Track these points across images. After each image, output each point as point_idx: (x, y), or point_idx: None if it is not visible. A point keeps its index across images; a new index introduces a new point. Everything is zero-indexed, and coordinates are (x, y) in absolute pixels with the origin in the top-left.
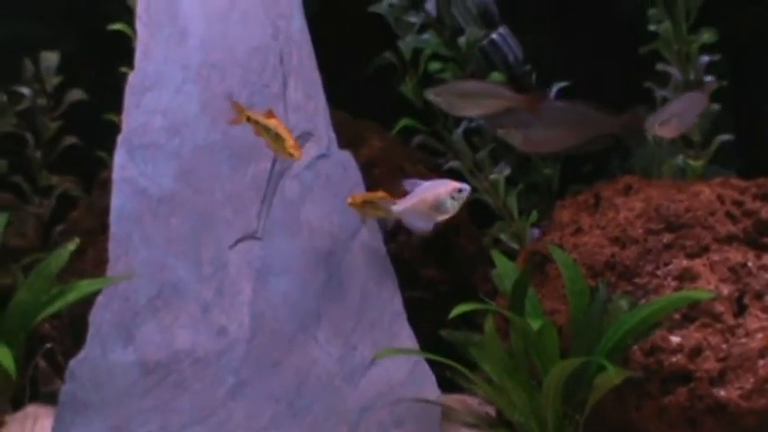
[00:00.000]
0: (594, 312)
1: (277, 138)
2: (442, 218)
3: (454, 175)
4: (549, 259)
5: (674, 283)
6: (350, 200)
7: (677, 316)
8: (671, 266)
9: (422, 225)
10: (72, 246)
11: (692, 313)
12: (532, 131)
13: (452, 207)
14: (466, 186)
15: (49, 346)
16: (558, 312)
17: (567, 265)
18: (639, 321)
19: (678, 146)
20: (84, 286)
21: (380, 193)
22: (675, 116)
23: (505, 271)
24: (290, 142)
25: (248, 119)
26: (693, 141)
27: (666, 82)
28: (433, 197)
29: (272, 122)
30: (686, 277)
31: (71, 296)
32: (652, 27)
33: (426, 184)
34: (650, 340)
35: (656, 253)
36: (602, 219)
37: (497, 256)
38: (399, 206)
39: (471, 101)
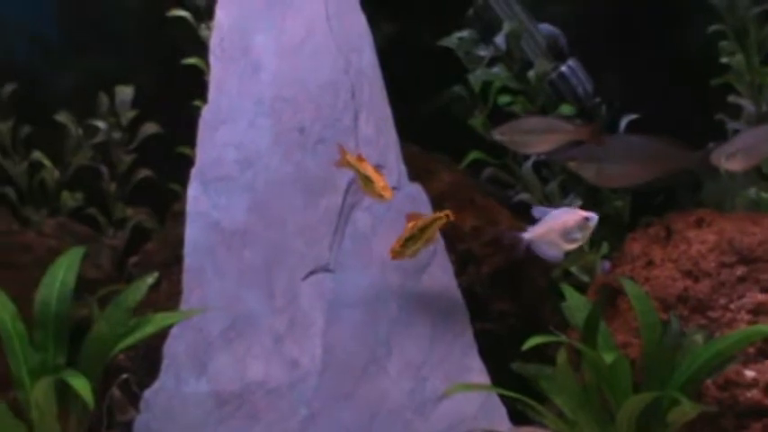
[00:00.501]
0: (667, 346)
1: (367, 180)
2: (570, 247)
3: (523, 207)
4: (620, 292)
5: (747, 317)
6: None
7: (752, 350)
8: (744, 300)
9: (551, 254)
10: (151, 279)
11: (767, 347)
12: (606, 165)
13: (581, 236)
14: (594, 215)
15: (124, 376)
16: (630, 346)
17: (638, 298)
18: (713, 355)
19: (751, 178)
20: (161, 319)
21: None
22: (743, 149)
23: (576, 304)
24: (380, 184)
25: (347, 161)
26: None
27: (738, 114)
28: (561, 226)
29: (362, 165)
30: (760, 311)
31: (148, 329)
32: (724, 59)
33: (555, 212)
34: (724, 374)
35: (729, 286)
36: (673, 251)
37: (568, 290)
38: (529, 234)
39: (535, 137)
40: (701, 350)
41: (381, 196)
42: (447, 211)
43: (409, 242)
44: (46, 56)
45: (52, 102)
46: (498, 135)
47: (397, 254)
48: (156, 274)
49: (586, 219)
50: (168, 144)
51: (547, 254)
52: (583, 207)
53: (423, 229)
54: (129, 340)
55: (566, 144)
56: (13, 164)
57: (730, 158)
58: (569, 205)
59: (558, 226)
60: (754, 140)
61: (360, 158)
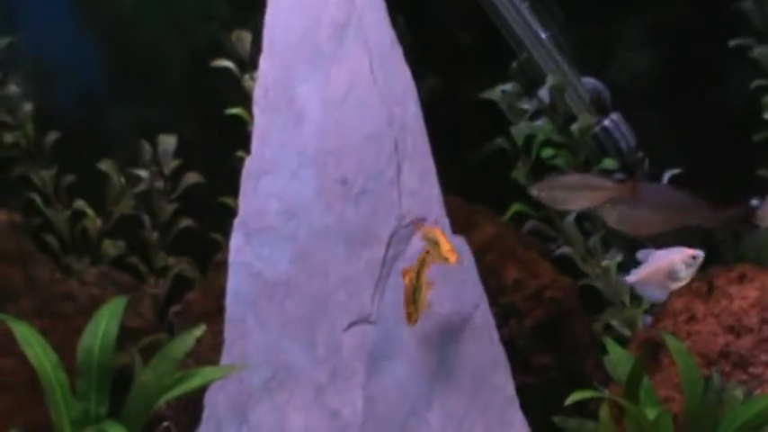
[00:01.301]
0: (710, 402)
1: (435, 244)
2: (676, 286)
3: (565, 261)
4: (662, 347)
5: None
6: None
7: None
8: None
9: (657, 294)
10: (198, 332)
11: None
12: (629, 211)
13: (687, 274)
14: (700, 253)
15: (166, 424)
16: (671, 401)
17: (681, 353)
18: (757, 413)
19: None
20: (209, 373)
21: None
22: None
23: (618, 358)
24: (445, 247)
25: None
26: None
27: None
28: (667, 265)
29: (433, 231)
30: None
31: (195, 381)
32: (767, 115)
33: (659, 252)
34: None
35: None
36: (715, 307)
37: (610, 344)
38: (633, 276)
39: (574, 194)
40: (743, 408)
41: (446, 259)
42: (427, 249)
43: (416, 296)
44: (89, 104)
45: (95, 150)
46: (536, 191)
47: (413, 317)
48: (203, 327)
49: (693, 257)
50: (210, 194)
51: (653, 295)
52: (624, 260)
53: (419, 276)
54: (175, 392)
55: (605, 201)
56: (56, 212)
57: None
58: (611, 259)
59: (665, 266)
60: None
61: (418, 225)
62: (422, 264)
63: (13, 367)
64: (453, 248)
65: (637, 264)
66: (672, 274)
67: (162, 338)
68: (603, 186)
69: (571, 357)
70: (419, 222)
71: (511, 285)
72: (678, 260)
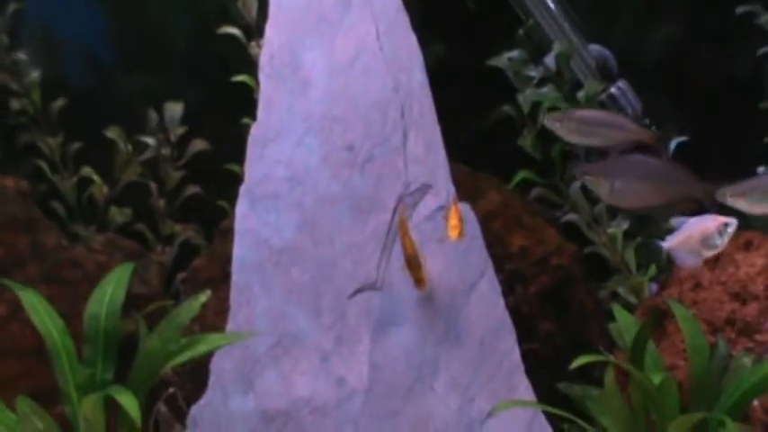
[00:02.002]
0: (715, 369)
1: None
2: (710, 253)
3: (572, 228)
4: (668, 314)
5: None
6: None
7: None
8: None
9: (690, 261)
10: (204, 297)
11: None
12: (620, 184)
13: (720, 242)
14: (733, 221)
15: (171, 390)
16: (677, 368)
17: (687, 320)
18: (762, 379)
19: None
20: (215, 340)
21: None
22: (752, 191)
23: (626, 324)
24: (451, 222)
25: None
26: None
27: None
28: (701, 233)
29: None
30: None
31: (201, 348)
32: None
33: (693, 219)
34: None
35: None
36: (722, 274)
37: (618, 310)
38: (668, 243)
39: (592, 129)
40: (749, 374)
41: (448, 237)
42: (402, 214)
43: (413, 263)
44: (95, 72)
45: (102, 117)
46: (549, 121)
47: (423, 281)
48: (208, 293)
49: (726, 224)
50: (217, 161)
51: (686, 262)
52: (631, 229)
53: (407, 241)
54: (181, 358)
55: (623, 144)
56: (62, 179)
57: (737, 198)
58: (617, 227)
59: (698, 233)
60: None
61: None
62: (405, 229)
63: (20, 334)
64: (457, 226)
65: (669, 231)
66: (706, 242)
67: (168, 305)
68: (624, 127)
69: (576, 324)
70: (456, 200)
71: (517, 252)
72: (712, 228)
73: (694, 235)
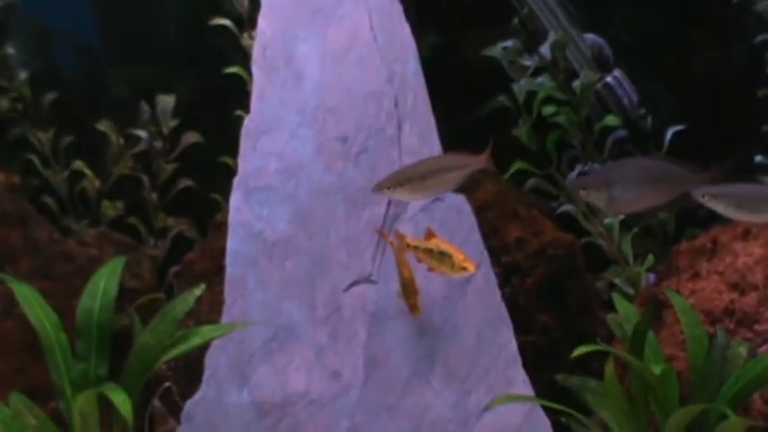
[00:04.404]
0: (715, 359)
1: (442, 256)
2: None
3: (568, 219)
4: (666, 305)
5: None
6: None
7: None
8: None
9: None
10: (198, 291)
11: None
12: (618, 192)
13: None
14: None
15: (166, 385)
16: (676, 359)
17: (685, 310)
18: (763, 370)
19: None
20: (208, 332)
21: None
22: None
23: (626, 314)
24: (459, 257)
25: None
26: None
27: None
28: None
29: (433, 242)
30: None
31: (195, 341)
32: None
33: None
34: None
35: None
36: (720, 264)
37: (619, 300)
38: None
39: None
40: (750, 365)
41: (465, 269)
42: (399, 237)
43: (408, 288)
44: (87, 65)
45: (93, 111)
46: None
47: (416, 309)
48: (203, 286)
49: None
50: (209, 154)
51: None
52: (627, 219)
53: (404, 266)
54: (175, 352)
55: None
56: (54, 173)
57: (711, 199)
58: (613, 218)
59: None
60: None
61: (430, 234)
62: (402, 254)
63: (13, 329)
64: (467, 257)
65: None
66: None
67: (160, 299)
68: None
69: (573, 316)
70: (430, 233)
71: (513, 244)
72: None
73: None
